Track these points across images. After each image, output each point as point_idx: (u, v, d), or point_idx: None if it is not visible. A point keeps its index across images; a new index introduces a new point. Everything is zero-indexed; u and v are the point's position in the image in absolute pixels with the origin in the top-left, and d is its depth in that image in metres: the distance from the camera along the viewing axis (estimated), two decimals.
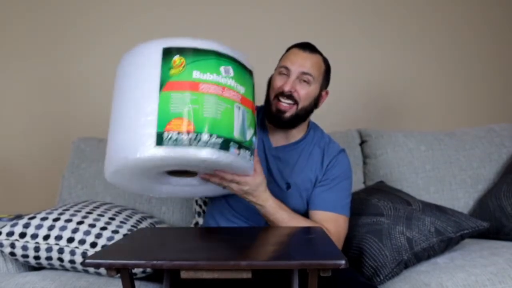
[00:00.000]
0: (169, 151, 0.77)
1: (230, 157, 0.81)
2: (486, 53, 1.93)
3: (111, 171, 0.84)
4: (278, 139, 1.12)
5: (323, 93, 1.12)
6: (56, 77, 1.83)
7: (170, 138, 0.77)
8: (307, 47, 1.08)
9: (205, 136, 0.78)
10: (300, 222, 1.01)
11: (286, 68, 1.05)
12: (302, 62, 1.04)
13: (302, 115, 1.07)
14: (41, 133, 1.83)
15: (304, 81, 1.04)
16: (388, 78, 1.89)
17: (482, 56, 1.92)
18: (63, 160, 1.70)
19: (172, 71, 0.81)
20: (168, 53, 0.83)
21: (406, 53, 1.90)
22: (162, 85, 0.80)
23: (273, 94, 1.06)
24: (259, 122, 1.16)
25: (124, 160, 0.79)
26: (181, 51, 0.83)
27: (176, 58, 0.82)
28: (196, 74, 0.81)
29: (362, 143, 1.59)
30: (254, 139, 0.89)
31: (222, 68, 0.84)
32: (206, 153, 0.78)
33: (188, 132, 0.77)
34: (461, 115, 1.90)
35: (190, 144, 0.77)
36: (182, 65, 0.81)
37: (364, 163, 1.56)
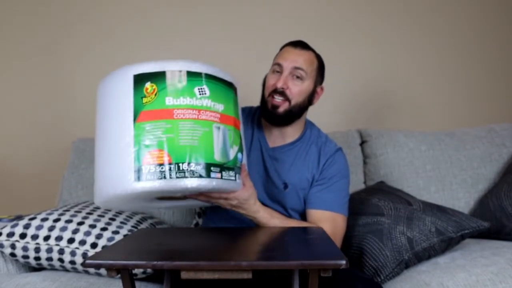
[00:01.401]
0: (149, 184, 0.76)
1: (212, 182, 0.80)
2: (486, 53, 1.92)
3: (99, 202, 0.84)
4: (274, 139, 1.13)
5: (318, 89, 1.12)
6: (56, 78, 1.83)
7: (149, 171, 0.76)
8: (298, 44, 1.10)
9: (183, 166, 0.77)
10: (294, 226, 1.01)
11: (279, 65, 1.07)
12: (294, 58, 1.06)
13: (296, 112, 1.08)
14: (41, 133, 1.83)
15: (297, 77, 1.06)
16: (389, 78, 1.89)
17: (483, 56, 1.92)
18: (63, 160, 1.70)
19: (145, 100, 0.79)
20: (139, 80, 0.81)
21: (406, 53, 1.90)
22: (136, 116, 0.79)
23: (268, 92, 1.08)
24: (256, 122, 1.16)
25: (108, 194, 0.80)
26: (151, 77, 0.81)
27: (148, 85, 0.80)
28: (169, 101, 0.79)
29: (363, 143, 1.59)
30: (239, 155, 0.87)
31: (196, 89, 0.82)
32: (186, 183, 0.77)
33: (166, 164, 0.76)
34: (462, 115, 1.90)
35: (170, 176, 0.76)
36: (154, 92, 0.80)
37: (365, 163, 1.56)
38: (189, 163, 0.77)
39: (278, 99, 1.05)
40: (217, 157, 0.81)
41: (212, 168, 0.80)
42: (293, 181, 1.09)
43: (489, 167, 1.48)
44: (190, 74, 0.83)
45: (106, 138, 0.82)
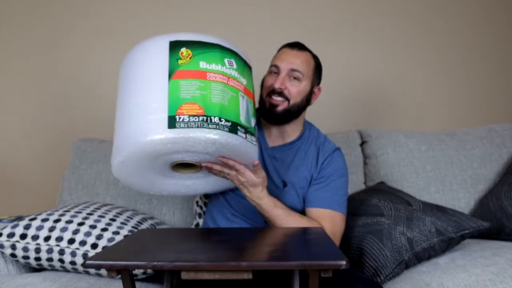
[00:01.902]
0: (182, 132, 0.80)
1: (239, 139, 0.85)
2: (486, 53, 1.92)
3: (119, 161, 0.86)
4: (274, 139, 1.14)
5: (315, 89, 1.14)
6: (57, 78, 1.83)
7: (182, 120, 0.80)
8: (295, 45, 1.12)
9: (214, 119, 0.82)
10: (296, 218, 1.02)
11: (276, 66, 1.09)
12: (291, 60, 1.08)
13: (295, 111, 1.09)
14: (42, 134, 1.83)
15: (295, 78, 1.07)
16: (389, 78, 1.89)
17: (483, 56, 1.92)
18: (63, 161, 1.70)
19: (180, 61, 0.85)
20: (175, 45, 0.87)
21: (406, 53, 1.90)
22: (171, 74, 0.84)
23: (265, 93, 1.10)
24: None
25: (136, 145, 0.82)
26: (187, 44, 0.87)
27: (183, 50, 0.86)
28: (203, 64, 0.86)
29: (363, 143, 1.59)
30: (256, 128, 0.94)
31: (226, 60, 0.90)
32: (216, 135, 0.82)
33: (199, 115, 0.81)
34: (462, 115, 1.90)
35: (201, 126, 0.81)
36: (189, 56, 0.86)
37: (365, 163, 1.56)
38: (219, 118, 0.83)
39: (276, 99, 1.07)
40: (243, 120, 0.88)
41: (238, 128, 0.86)
42: (292, 180, 1.10)
43: (489, 167, 1.48)
44: (222, 47, 0.90)
45: (136, 95, 0.86)
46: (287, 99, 1.06)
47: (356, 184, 1.48)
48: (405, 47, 1.90)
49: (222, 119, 0.83)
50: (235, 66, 0.90)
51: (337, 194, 1.09)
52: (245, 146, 0.87)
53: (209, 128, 0.81)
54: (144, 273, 1.04)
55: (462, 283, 0.94)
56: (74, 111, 1.84)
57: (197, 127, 0.80)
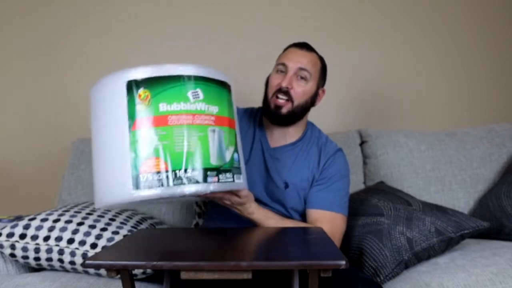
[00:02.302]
0: (148, 193, 0.76)
1: (210, 187, 0.80)
2: (487, 53, 1.92)
3: (100, 207, 0.87)
4: (276, 140, 1.14)
5: (320, 91, 1.14)
6: (56, 78, 1.83)
7: (146, 179, 0.76)
8: (304, 45, 1.12)
9: (180, 173, 0.77)
10: (290, 226, 1.02)
11: (284, 65, 1.08)
12: (299, 59, 1.07)
13: (299, 113, 1.09)
14: (41, 134, 1.82)
15: (302, 77, 1.07)
16: (389, 78, 1.89)
17: (483, 56, 1.92)
18: (63, 161, 1.70)
19: (139, 107, 0.79)
20: (132, 86, 0.80)
21: (406, 53, 1.89)
22: (131, 124, 0.79)
23: (271, 92, 1.09)
24: (258, 122, 1.17)
25: (108, 202, 0.80)
26: (144, 82, 0.80)
27: (141, 92, 0.80)
28: (163, 107, 0.79)
29: (363, 143, 1.59)
30: (235, 156, 0.87)
31: (190, 94, 0.82)
32: (184, 189, 0.77)
33: (162, 172, 0.77)
34: (462, 115, 1.90)
35: (167, 184, 0.77)
36: (147, 99, 0.79)
37: (365, 163, 1.56)
38: (185, 170, 0.78)
39: (281, 99, 1.06)
40: (213, 161, 0.81)
41: (208, 173, 0.80)
42: (294, 181, 1.10)
43: (489, 167, 1.48)
44: (183, 78, 0.82)
45: (102, 146, 0.83)
46: (291, 100, 1.06)
47: (355, 184, 1.48)
48: (405, 47, 1.89)
49: (188, 170, 0.78)
50: (201, 97, 0.82)
51: (339, 195, 1.08)
52: (219, 188, 0.82)
53: (176, 184, 0.77)
54: (143, 273, 1.04)
55: (462, 283, 0.94)
56: (74, 111, 1.84)
57: (162, 185, 0.76)
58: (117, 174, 0.78)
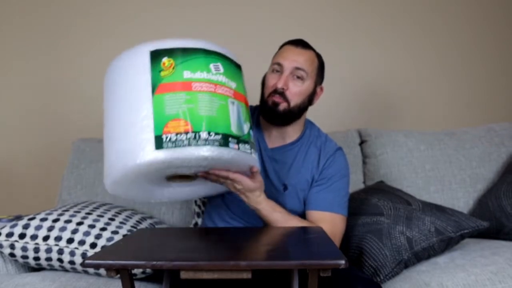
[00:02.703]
0: (170, 153, 0.76)
1: (231, 152, 0.81)
2: (486, 53, 1.93)
3: (111, 182, 0.83)
4: (274, 140, 1.12)
5: (318, 89, 1.11)
6: (56, 78, 1.83)
7: (169, 140, 0.76)
8: (299, 43, 1.08)
9: (203, 135, 0.78)
10: (295, 222, 1.01)
11: (279, 64, 1.05)
12: (295, 58, 1.04)
13: (296, 112, 1.06)
14: (41, 133, 1.82)
15: (298, 77, 1.04)
16: (388, 78, 1.89)
17: (483, 55, 1.92)
18: (62, 160, 1.70)
19: (163, 73, 0.80)
20: (156, 56, 0.82)
21: (406, 53, 1.90)
22: (154, 88, 0.79)
23: (267, 93, 1.06)
24: (255, 122, 1.16)
25: (124, 168, 0.78)
26: (169, 52, 0.83)
27: (165, 60, 0.82)
28: (187, 74, 0.81)
29: (362, 143, 1.59)
30: (251, 132, 0.90)
31: (212, 66, 0.85)
32: (206, 151, 0.78)
33: (186, 132, 0.77)
34: (461, 114, 1.90)
35: (189, 144, 0.77)
36: (172, 66, 0.81)
37: (364, 162, 1.56)
38: (209, 132, 0.79)
39: (278, 98, 1.04)
40: (234, 129, 0.83)
41: (230, 139, 0.81)
42: (293, 183, 1.08)
43: (488, 166, 1.48)
44: (206, 51, 0.85)
45: (121, 113, 0.82)
46: (287, 101, 1.03)
47: (355, 183, 1.48)
48: (405, 47, 1.90)
49: (211, 133, 0.79)
50: (222, 71, 0.85)
51: (339, 195, 1.07)
52: (239, 158, 0.83)
53: (198, 145, 0.77)
54: (143, 272, 1.04)
55: (461, 282, 0.94)
56: (73, 111, 1.84)
57: (185, 145, 0.76)
58: (139, 136, 0.77)
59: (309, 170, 1.09)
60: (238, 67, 0.93)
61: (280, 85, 1.03)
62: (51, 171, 1.78)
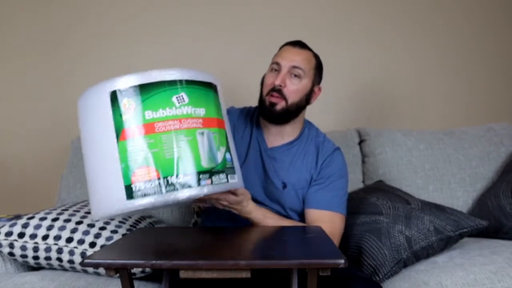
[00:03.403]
0: (141, 202, 0.76)
1: (204, 189, 0.79)
2: (486, 52, 1.93)
3: (97, 219, 0.85)
4: (273, 139, 1.14)
5: (316, 89, 1.13)
6: (56, 77, 1.83)
7: (138, 189, 0.76)
8: (297, 44, 1.11)
9: (171, 179, 0.76)
10: (288, 225, 1.02)
11: (277, 63, 1.08)
12: (293, 57, 1.07)
13: (293, 111, 1.08)
14: (40, 133, 1.82)
15: (295, 75, 1.07)
16: (387, 77, 1.89)
17: (482, 55, 1.92)
18: (62, 160, 1.70)
19: (124, 117, 0.78)
20: (115, 97, 0.79)
21: (406, 53, 1.90)
22: (118, 135, 0.78)
23: (266, 91, 1.09)
24: (255, 122, 1.17)
25: (104, 214, 0.80)
26: (128, 93, 0.79)
27: (125, 101, 0.79)
28: (149, 114, 0.78)
29: (361, 142, 1.59)
30: (227, 156, 0.87)
31: (174, 98, 0.81)
32: (177, 195, 0.76)
33: (154, 180, 0.76)
34: (460, 114, 1.90)
35: (160, 191, 0.76)
36: (133, 108, 0.78)
37: (363, 162, 1.56)
38: (177, 175, 0.77)
39: (275, 96, 1.06)
40: (205, 164, 0.80)
41: (201, 176, 0.79)
42: (292, 181, 1.09)
43: (487, 166, 1.49)
44: (166, 83, 0.81)
45: (93, 159, 0.82)
46: (284, 98, 1.06)
47: (354, 182, 1.48)
48: (405, 47, 1.90)
49: (179, 176, 0.77)
50: (186, 101, 0.81)
51: (337, 195, 1.08)
52: (213, 191, 0.81)
53: (168, 191, 0.76)
54: (142, 272, 1.04)
55: (461, 281, 0.94)
56: (73, 110, 1.82)
57: (155, 193, 0.75)
58: (110, 186, 0.78)
59: (307, 169, 1.10)
60: (208, 86, 0.88)
61: (277, 82, 1.05)
62: (51, 171, 1.78)
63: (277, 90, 1.05)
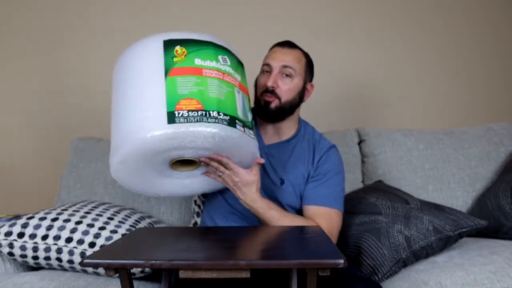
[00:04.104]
0: (182, 127, 0.80)
1: (238, 132, 0.86)
2: (485, 52, 1.93)
3: (119, 160, 0.86)
4: (270, 137, 1.16)
5: (308, 86, 1.15)
6: (55, 77, 1.83)
7: (181, 115, 0.81)
8: (286, 44, 1.14)
9: (213, 113, 0.83)
10: (291, 219, 1.02)
11: (268, 65, 1.10)
12: (282, 57, 1.09)
13: (288, 109, 1.10)
14: (40, 132, 1.82)
15: (287, 75, 1.09)
16: (388, 78, 1.89)
17: (482, 55, 1.92)
18: (61, 159, 1.70)
19: (175, 59, 0.86)
20: (169, 44, 0.88)
21: (406, 53, 1.90)
22: (167, 71, 0.85)
23: (259, 92, 1.11)
24: None
25: (135, 142, 0.82)
26: (181, 42, 0.89)
27: (178, 48, 0.88)
28: (198, 61, 0.87)
29: (361, 142, 1.59)
30: (253, 122, 0.95)
31: (220, 57, 0.91)
32: (216, 128, 0.82)
33: (198, 110, 0.82)
34: (460, 114, 1.90)
35: (200, 120, 0.82)
36: (184, 54, 0.87)
37: (363, 162, 1.56)
38: (218, 112, 0.84)
39: (269, 96, 1.08)
40: (240, 114, 0.89)
41: (237, 121, 0.87)
42: (290, 177, 1.11)
43: (487, 166, 1.48)
44: (214, 45, 0.92)
45: (133, 94, 0.86)
46: (278, 97, 1.08)
47: (354, 182, 1.48)
48: (405, 47, 1.90)
49: (220, 113, 0.84)
50: (228, 63, 0.92)
51: (334, 191, 1.09)
52: (244, 139, 0.88)
53: (208, 122, 0.82)
54: (142, 271, 1.04)
55: (460, 281, 0.94)
56: (73, 110, 1.84)
57: (197, 121, 0.81)
58: (151, 111, 0.82)
59: (304, 166, 1.12)
60: (241, 65, 1.00)
61: (270, 84, 1.07)
62: (50, 170, 1.78)
63: (270, 91, 1.07)
